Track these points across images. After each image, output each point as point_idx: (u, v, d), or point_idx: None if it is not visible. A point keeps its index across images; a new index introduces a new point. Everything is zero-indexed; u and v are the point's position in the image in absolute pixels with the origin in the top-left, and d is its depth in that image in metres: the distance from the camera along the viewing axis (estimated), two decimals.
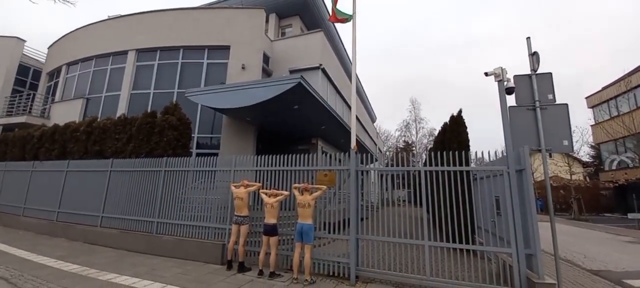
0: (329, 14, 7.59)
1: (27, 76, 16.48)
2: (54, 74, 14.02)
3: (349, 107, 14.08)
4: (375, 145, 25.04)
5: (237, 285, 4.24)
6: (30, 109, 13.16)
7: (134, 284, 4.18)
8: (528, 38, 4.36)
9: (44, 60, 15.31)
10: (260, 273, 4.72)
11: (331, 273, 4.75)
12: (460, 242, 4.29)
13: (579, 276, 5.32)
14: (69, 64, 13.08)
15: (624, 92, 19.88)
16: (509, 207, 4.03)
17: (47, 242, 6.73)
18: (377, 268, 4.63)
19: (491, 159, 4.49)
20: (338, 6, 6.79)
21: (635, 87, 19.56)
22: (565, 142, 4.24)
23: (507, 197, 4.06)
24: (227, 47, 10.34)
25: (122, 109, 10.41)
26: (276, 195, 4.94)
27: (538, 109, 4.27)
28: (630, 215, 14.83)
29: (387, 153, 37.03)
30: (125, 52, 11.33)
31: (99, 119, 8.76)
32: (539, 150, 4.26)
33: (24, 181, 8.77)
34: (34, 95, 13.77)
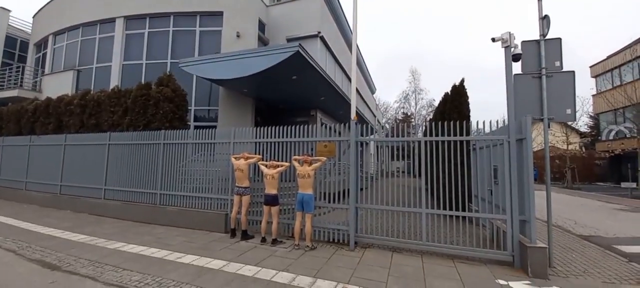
0: None
1: (15, 48, 15.86)
2: (42, 44, 13.44)
3: (349, 78, 13.76)
4: (375, 116, 24.89)
5: (241, 252, 4.41)
6: (21, 82, 12.79)
7: (141, 252, 4.32)
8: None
9: (30, 31, 14.61)
10: (263, 240, 4.88)
11: (331, 240, 4.93)
12: (457, 210, 4.40)
13: (570, 241, 5.54)
14: (55, 34, 12.48)
15: (629, 61, 19.42)
16: (507, 175, 4.07)
17: (52, 214, 6.88)
18: (375, 234, 4.79)
19: (492, 129, 4.46)
20: None
21: None
22: (569, 111, 4.19)
23: (506, 166, 4.09)
24: (220, 14, 9.82)
25: (114, 81, 10.13)
26: (276, 167, 4.97)
27: (544, 77, 4.16)
28: (623, 184, 15.21)
29: (386, 125, 36.99)
30: (112, 20, 10.76)
31: (92, 92, 8.56)
32: (541, 120, 4.22)
33: (23, 155, 8.77)
34: (24, 67, 13.31)
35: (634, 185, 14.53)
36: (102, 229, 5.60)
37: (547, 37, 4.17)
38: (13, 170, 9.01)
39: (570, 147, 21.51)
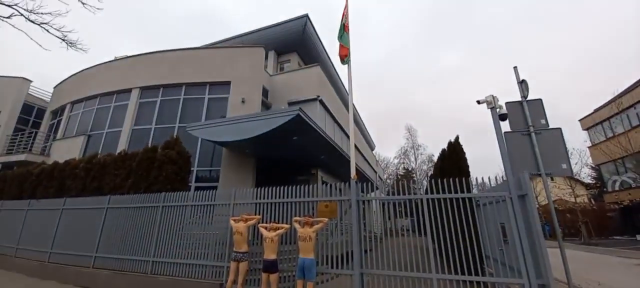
0: (335, 59, 7.50)
1: (30, 115, 16.82)
2: (58, 112, 14.30)
3: (348, 137, 14.25)
4: (376, 173, 24.92)
5: None
6: (31, 147, 13.24)
7: None
8: (515, 67, 4.57)
9: (49, 99, 15.71)
10: None
11: None
12: (469, 273, 4.12)
13: None
14: (73, 103, 13.39)
15: (616, 113, 20.27)
16: (515, 234, 3.94)
17: (36, 286, 6.41)
18: None
19: (492, 185, 4.47)
20: (339, 38, 6.85)
21: (627, 108, 20.00)
22: (564, 166, 4.26)
23: (513, 224, 3.98)
24: (228, 83, 10.71)
25: (123, 145, 10.50)
26: (276, 229, 4.82)
27: (533, 134, 4.35)
28: (639, 237, 14.40)
29: (388, 181, 36.75)
30: (129, 90, 11.68)
31: (99, 155, 8.79)
32: (539, 175, 4.27)
33: (18, 220, 8.56)
34: (36, 133, 13.93)
35: None
36: None
37: (529, 98, 4.51)
38: (7, 236, 8.68)
39: (578, 199, 21.01)
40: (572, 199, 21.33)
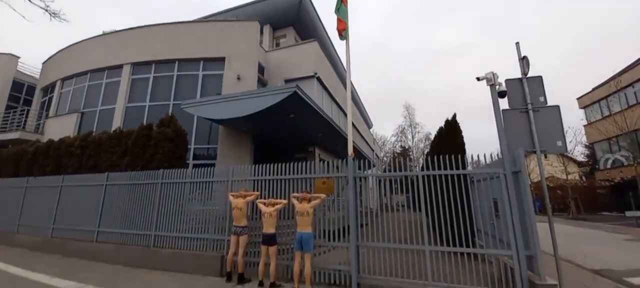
0: (334, 33, 7.28)
1: (21, 92, 16.43)
2: (49, 89, 13.95)
3: (345, 114, 14.17)
4: (373, 151, 25.09)
5: None
6: (24, 124, 13.04)
7: None
8: (517, 43, 4.46)
9: (38, 76, 15.26)
10: (261, 284, 4.65)
11: (332, 282, 4.71)
12: (461, 246, 4.28)
13: (580, 276, 5.32)
14: (63, 79, 13.03)
15: (615, 92, 20.22)
16: (507, 208, 4.05)
17: (42, 259, 6.59)
18: (378, 275, 4.59)
19: (487, 162, 4.53)
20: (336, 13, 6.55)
21: (626, 87, 19.93)
22: (559, 143, 4.30)
23: (505, 199, 4.08)
24: (223, 59, 10.41)
25: (117, 123, 10.36)
26: (274, 204, 4.92)
27: (531, 111, 4.35)
28: (628, 213, 14.94)
29: (385, 158, 37.15)
30: (120, 66, 11.34)
31: (94, 133, 8.70)
32: (534, 152, 4.32)
33: (17, 198, 8.63)
34: (28, 111, 13.66)
35: (638, 213, 14.26)
36: (91, 275, 5.33)
37: (529, 75, 4.45)
38: (6, 213, 8.79)
39: (569, 177, 21.48)
40: (564, 176, 21.80)
